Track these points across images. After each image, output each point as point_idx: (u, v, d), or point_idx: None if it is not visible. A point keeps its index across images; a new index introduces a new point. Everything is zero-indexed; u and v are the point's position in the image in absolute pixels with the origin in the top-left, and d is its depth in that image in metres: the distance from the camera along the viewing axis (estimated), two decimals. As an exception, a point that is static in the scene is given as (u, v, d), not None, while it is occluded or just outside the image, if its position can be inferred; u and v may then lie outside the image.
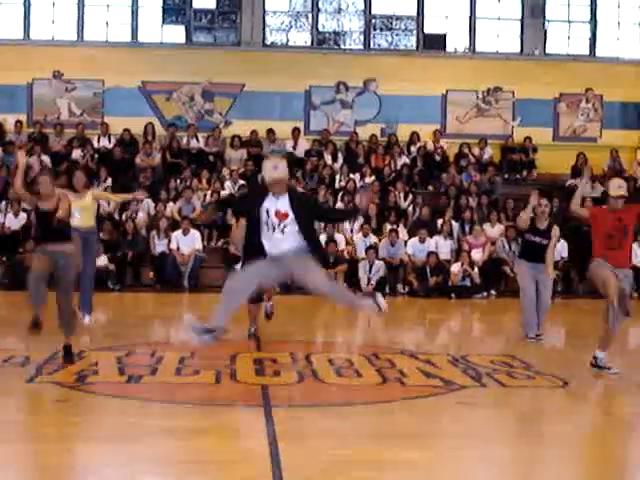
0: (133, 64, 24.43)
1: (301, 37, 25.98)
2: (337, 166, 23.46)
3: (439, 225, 21.29)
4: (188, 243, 20.16)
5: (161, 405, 8.38)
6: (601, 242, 10.07)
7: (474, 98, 25.46)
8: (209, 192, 21.94)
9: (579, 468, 6.74)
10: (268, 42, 25.73)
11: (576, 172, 24.07)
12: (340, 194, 22.11)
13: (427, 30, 25.90)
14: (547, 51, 25.98)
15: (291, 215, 8.76)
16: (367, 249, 19.95)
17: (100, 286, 18.90)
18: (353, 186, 22.33)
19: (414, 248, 20.44)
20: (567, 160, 24.23)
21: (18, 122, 23.98)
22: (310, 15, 25.81)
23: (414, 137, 24.42)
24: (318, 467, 6.58)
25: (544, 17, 25.91)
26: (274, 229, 8.79)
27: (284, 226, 8.79)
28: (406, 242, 20.61)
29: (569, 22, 26.20)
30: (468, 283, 19.79)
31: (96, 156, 23.23)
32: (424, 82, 24.64)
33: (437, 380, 9.69)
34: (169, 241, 20.22)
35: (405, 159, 23.92)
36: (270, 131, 24.03)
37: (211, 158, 23.54)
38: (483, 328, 16.28)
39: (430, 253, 20.06)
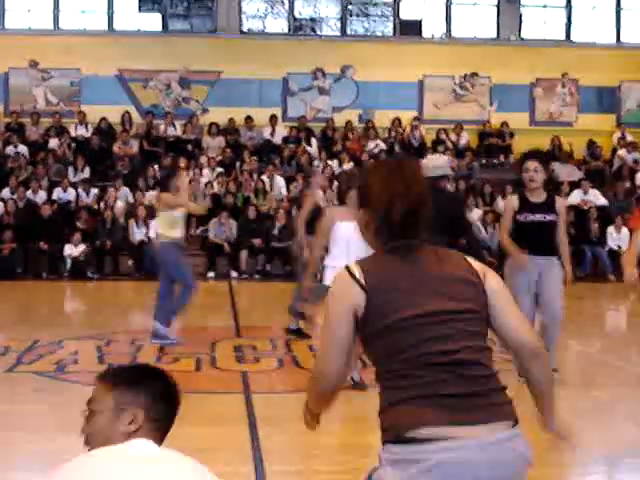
0: (109, 52, 24.32)
1: (277, 24, 25.94)
2: (315, 153, 23.46)
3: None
4: (167, 231, 20.11)
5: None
6: None
7: (451, 84, 25.49)
8: (187, 180, 21.90)
9: (566, 453, 6.80)
10: (244, 29, 25.67)
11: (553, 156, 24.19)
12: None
13: (403, 16, 25.90)
14: (523, 36, 26.03)
15: None
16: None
17: (79, 275, 18.96)
18: (331, 172, 22.38)
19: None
20: (544, 145, 24.28)
21: (-6, 112, 23.92)
22: (286, 2, 25.76)
23: (395, 123, 24.44)
24: (299, 452, 6.63)
25: (519, 2, 25.94)
26: None
27: None
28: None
29: (545, 7, 26.27)
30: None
31: (73, 145, 23.16)
32: (401, 68, 24.65)
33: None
34: (148, 229, 20.19)
35: (380, 143, 23.91)
36: (248, 118, 24.01)
37: (189, 146, 23.50)
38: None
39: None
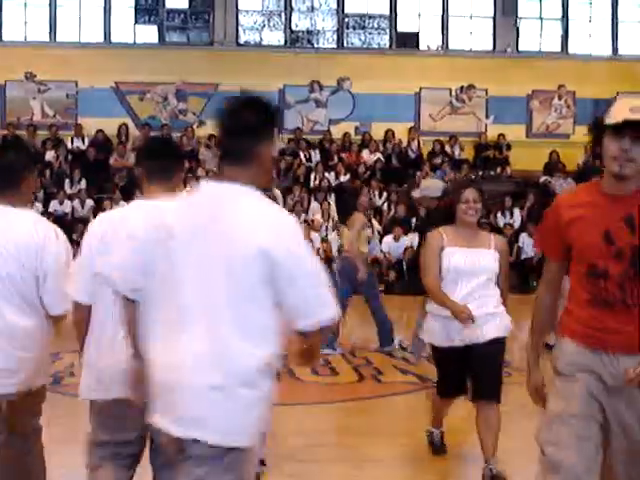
0: (106, 64, 24.31)
1: (274, 36, 25.96)
2: (312, 165, 23.46)
3: (414, 223, 21.34)
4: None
5: (138, 406, 8.36)
6: (579, 277, 4.24)
7: (447, 96, 25.51)
8: (184, 192, 21.88)
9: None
10: (241, 41, 25.69)
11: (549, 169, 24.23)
12: (314, 193, 22.16)
13: (400, 28, 25.93)
14: (519, 48, 26.07)
15: None
16: (345, 246, 19.92)
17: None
18: (327, 185, 22.36)
19: (389, 246, 20.47)
20: (541, 157, 24.31)
21: (-9, 124, 23.90)
22: (283, 14, 25.79)
23: (389, 135, 24.43)
24: (296, 466, 6.60)
25: (516, 14, 25.98)
26: None
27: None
28: (381, 240, 20.61)
29: (541, 19, 26.30)
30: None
31: (70, 157, 23.15)
32: (397, 80, 24.63)
33: (413, 377, 9.72)
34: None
35: (379, 155, 23.90)
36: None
37: (186, 161, 23.39)
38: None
39: (407, 248, 20.12)
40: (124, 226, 4.28)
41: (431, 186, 9.97)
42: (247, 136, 3.81)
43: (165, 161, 4.90)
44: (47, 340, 4.96)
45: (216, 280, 3.49)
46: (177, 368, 3.50)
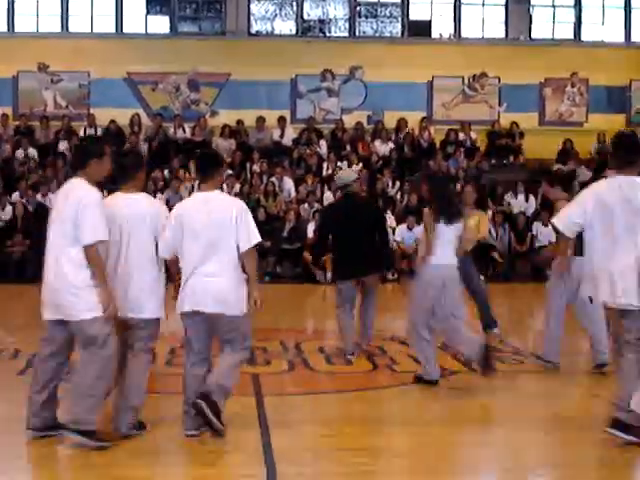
0: (118, 55, 24.34)
1: (286, 25, 25.94)
2: (324, 154, 23.41)
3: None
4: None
5: (152, 396, 8.39)
6: None
7: (460, 84, 25.44)
8: (197, 183, 21.87)
9: (570, 451, 6.77)
10: (253, 31, 25.67)
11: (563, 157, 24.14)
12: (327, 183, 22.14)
13: (412, 17, 25.88)
14: (532, 36, 25.99)
15: None
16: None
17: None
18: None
19: (403, 235, 20.45)
20: (554, 145, 24.23)
21: (4, 115, 23.87)
22: (295, 3, 25.75)
23: (401, 124, 24.36)
24: (310, 454, 6.61)
25: (529, 2, 25.91)
26: None
27: None
28: (394, 229, 20.59)
29: (554, 7, 26.22)
30: (456, 269, 19.77)
31: (83, 148, 23.13)
32: (410, 69, 24.60)
33: (427, 366, 9.70)
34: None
35: (391, 145, 23.87)
36: (260, 119, 23.86)
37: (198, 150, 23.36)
38: (472, 313, 16.28)
39: (417, 239, 20.10)
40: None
41: (343, 176, 11.30)
42: None
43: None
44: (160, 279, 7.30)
45: (630, 221, 6.53)
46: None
